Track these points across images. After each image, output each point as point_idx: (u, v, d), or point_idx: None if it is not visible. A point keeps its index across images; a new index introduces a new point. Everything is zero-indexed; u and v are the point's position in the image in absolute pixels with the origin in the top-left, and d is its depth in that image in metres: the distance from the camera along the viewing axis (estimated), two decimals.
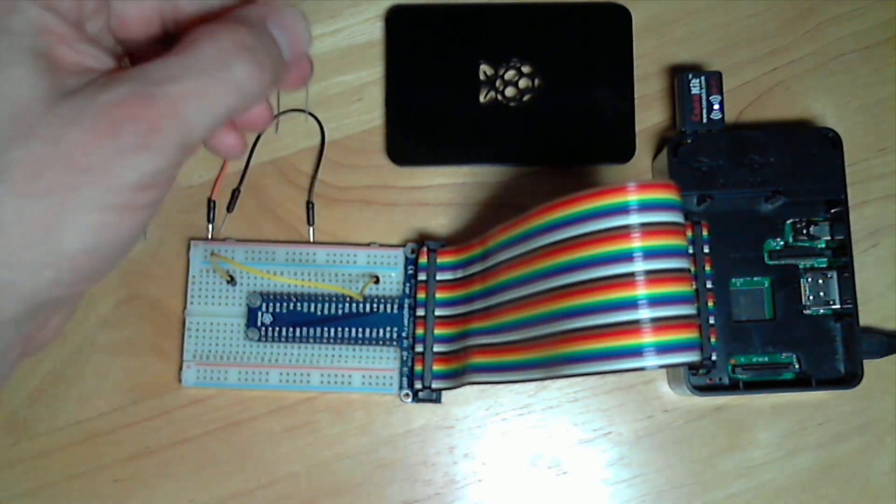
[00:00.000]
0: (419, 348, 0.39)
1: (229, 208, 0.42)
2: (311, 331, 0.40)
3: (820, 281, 0.39)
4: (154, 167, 0.21)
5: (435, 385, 0.39)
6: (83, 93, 0.21)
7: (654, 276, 0.29)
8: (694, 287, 0.38)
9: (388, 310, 0.40)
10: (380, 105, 0.42)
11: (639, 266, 0.29)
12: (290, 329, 0.40)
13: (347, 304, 0.40)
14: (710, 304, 0.39)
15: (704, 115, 0.39)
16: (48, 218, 0.21)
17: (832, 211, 0.39)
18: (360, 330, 0.40)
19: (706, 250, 0.39)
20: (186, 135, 0.22)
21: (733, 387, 0.39)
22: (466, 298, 0.38)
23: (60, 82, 0.22)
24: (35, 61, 0.22)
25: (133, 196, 0.22)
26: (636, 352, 0.29)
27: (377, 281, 0.40)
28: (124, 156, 0.21)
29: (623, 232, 0.30)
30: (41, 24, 0.22)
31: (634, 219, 0.29)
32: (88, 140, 0.21)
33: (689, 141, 0.39)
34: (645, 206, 0.30)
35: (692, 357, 0.29)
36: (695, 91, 0.39)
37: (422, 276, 0.39)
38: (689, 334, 0.29)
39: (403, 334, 0.40)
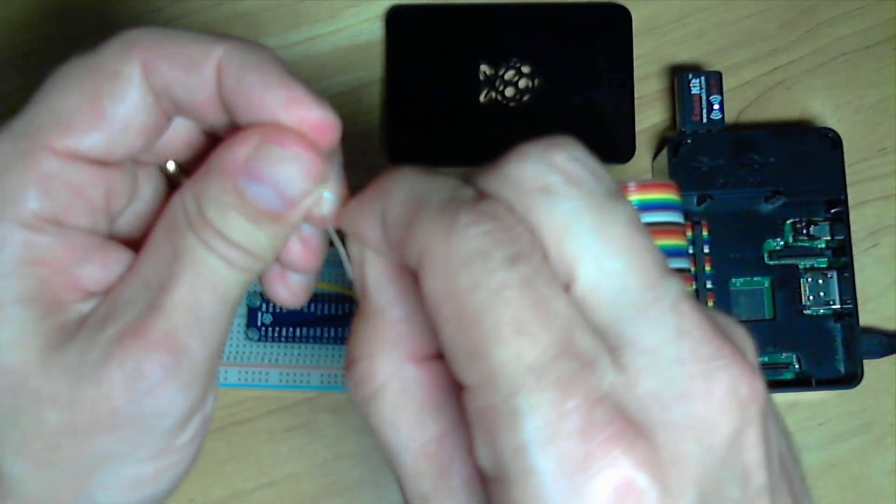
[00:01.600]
0: None
1: None
2: (311, 331, 0.40)
3: (820, 281, 0.39)
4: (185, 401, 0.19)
5: None
6: (83, 335, 0.18)
7: None
8: (694, 287, 0.38)
9: None
10: (380, 105, 0.42)
11: None
12: (290, 329, 0.40)
13: (347, 304, 0.40)
14: (710, 304, 0.39)
15: (704, 115, 0.39)
16: (75, 485, 0.18)
17: (832, 211, 0.39)
18: None
19: (706, 250, 0.39)
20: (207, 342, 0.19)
21: None
22: None
23: (57, 328, 0.18)
24: (23, 311, 0.18)
25: (171, 439, 0.19)
26: None
27: None
28: (151, 396, 0.18)
29: None
30: (29, 256, 0.18)
31: None
32: (105, 393, 0.18)
33: (689, 141, 0.39)
34: (645, 206, 0.30)
35: None
36: (695, 91, 0.39)
37: None
38: None
39: None
